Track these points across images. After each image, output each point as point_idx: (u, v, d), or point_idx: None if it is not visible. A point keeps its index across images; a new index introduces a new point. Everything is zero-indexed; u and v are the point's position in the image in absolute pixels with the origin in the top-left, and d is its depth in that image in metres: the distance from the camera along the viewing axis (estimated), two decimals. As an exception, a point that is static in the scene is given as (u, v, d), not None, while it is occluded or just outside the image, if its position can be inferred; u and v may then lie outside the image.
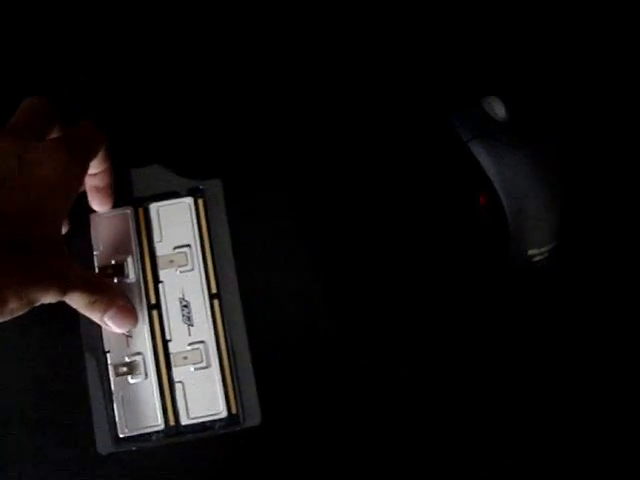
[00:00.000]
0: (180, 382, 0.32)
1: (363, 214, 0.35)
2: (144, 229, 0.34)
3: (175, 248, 0.33)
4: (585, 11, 0.38)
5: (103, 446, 0.32)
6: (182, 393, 0.32)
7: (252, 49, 0.37)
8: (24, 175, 0.26)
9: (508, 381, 0.34)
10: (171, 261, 0.33)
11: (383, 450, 0.33)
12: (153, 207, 0.34)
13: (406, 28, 0.38)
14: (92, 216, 0.34)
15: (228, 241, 0.34)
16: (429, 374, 0.34)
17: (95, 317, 0.30)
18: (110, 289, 0.31)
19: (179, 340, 0.33)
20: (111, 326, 0.31)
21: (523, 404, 0.33)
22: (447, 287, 0.35)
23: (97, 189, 0.33)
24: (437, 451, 0.33)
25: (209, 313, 0.33)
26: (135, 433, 0.32)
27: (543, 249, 0.33)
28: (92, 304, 0.29)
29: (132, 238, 0.33)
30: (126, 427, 0.32)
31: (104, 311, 0.30)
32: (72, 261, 0.29)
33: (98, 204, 0.33)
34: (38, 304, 0.26)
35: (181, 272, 0.33)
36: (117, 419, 0.32)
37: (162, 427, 0.32)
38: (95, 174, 0.32)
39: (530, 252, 0.33)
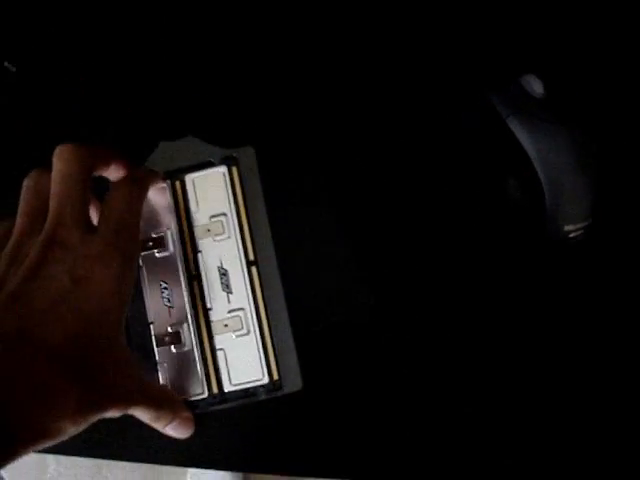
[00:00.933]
0: (222, 350, 0.32)
1: (398, 186, 0.34)
2: (181, 201, 0.34)
3: (211, 217, 0.33)
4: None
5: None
6: (224, 361, 0.32)
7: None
8: (77, 294, 0.25)
9: (540, 358, 0.32)
10: (208, 230, 0.33)
11: (420, 413, 0.32)
12: (188, 178, 0.34)
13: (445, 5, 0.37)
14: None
15: (263, 208, 0.33)
16: (463, 344, 0.32)
17: (157, 428, 0.30)
18: (172, 402, 0.30)
19: (219, 308, 0.33)
20: (171, 434, 0.30)
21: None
22: (483, 262, 0.34)
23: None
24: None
25: (247, 280, 0.33)
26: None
27: (579, 225, 0.33)
28: (156, 419, 0.29)
29: (170, 211, 0.34)
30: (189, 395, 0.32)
31: (167, 425, 0.30)
32: (136, 372, 0.28)
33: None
34: None
35: (218, 241, 0.33)
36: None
37: (206, 395, 0.32)
38: None
39: (566, 228, 0.33)
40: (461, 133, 0.35)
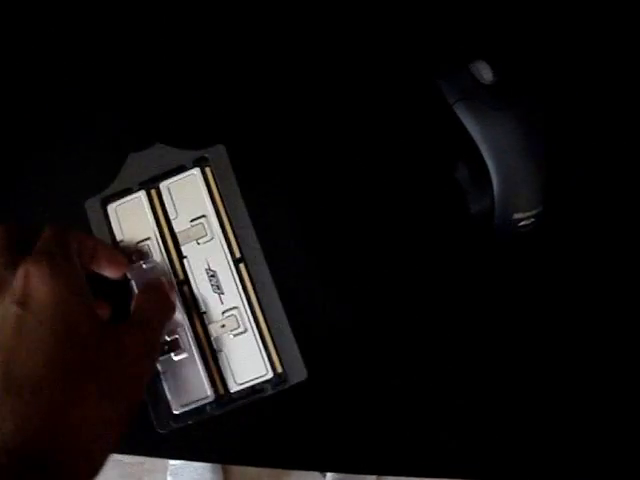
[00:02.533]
0: (222, 351, 0.32)
1: (354, 181, 0.35)
2: (159, 209, 0.34)
3: (192, 221, 0.33)
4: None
5: (161, 425, 0.32)
6: (226, 361, 0.32)
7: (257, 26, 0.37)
8: (33, 316, 0.25)
9: (501, 357, 0.33)
10: (190, 235, 0.33)
11: (426, 399, 0.33)
12: (163, 186, 0.34)
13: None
14: (108, 207, 0.34)
15: (242, 204, 0.33)
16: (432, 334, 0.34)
17: None
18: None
19: (213, 310, 0.32)
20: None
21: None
22: (434, 253, 0.34)
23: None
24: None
25: (237, 278, 0.32)
26: (189, 408, 0.32)
27: (528, 213, 0.33)
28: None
29: (150, 220, 0.33)
30: (179, 404, 0.32)
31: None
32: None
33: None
34: None
35: (202, 243, 0.33)
36: (169, 397, 0.32)
37: (213, 398, 0.32)
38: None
39: (515, 216, 0.33)
40: (412, 119, 0.36)
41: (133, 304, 0.31)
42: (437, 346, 0.33)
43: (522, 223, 0.33)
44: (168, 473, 0.94)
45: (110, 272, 0.31)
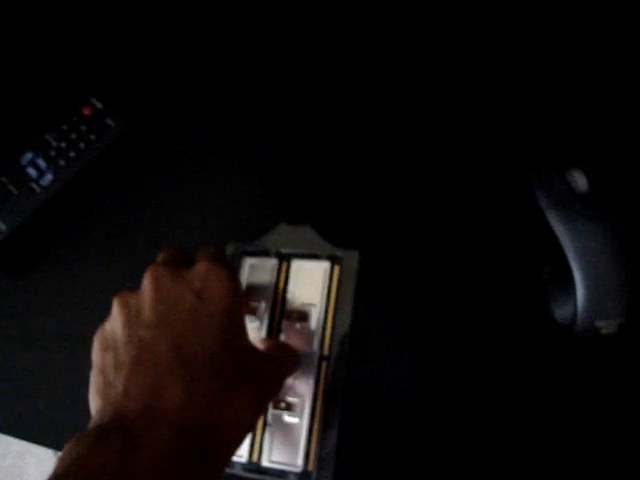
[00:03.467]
0: (271, 426, 0.35)
1: (447, 274, 0.37)
2: (282, 280, 0.37)
3: (303, 304, 0.36)
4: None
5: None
6: (270, 436, 0.35)
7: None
8: (206, 309, 0.27)
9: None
10: (295, 315, 0.36)
11: None
12: (295, 264, 0.37)
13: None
14: (245, 259, 0.39)
15: (349, 310, 0.36)
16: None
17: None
18: (289, 351, 0.34)
19: (281, 386, 0.35)
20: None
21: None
22: (512, 347, 0.35)
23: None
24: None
25: (315, 372, 0.35)
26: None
27: (611, 321, 0.33)
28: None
29: (271, 286, 0.37)
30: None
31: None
32: (266, 356, 0.31)
33: None
34: None
35: (300, 327, 0.36)
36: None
37: (245, 460, 0.34)
38: None
39: (597, 323, 0.33)
40: (503, 219, 0.37)
41: (268, 343, 0.34)
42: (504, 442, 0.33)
43: (604, 331, 0.33)
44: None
45: None
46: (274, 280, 0.37)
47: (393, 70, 0.42)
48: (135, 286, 0.29)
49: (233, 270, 0.30)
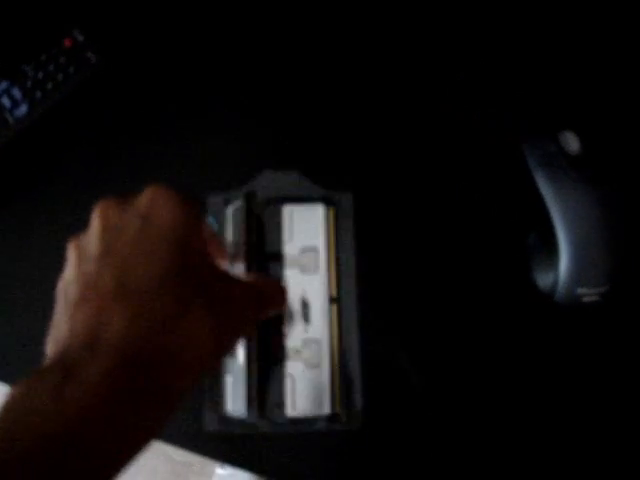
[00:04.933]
0: (291, 375, 0.34)
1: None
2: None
3: (303, 250, 0.35)
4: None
5: (210, 424, 0.33)
6: (292, 386, 0.34)
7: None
8: (149, 228, 0.26)
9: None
10: (297, 262, 0.35)
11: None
12: (287, 208, 0.36)
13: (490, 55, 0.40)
14: (228, 207, 0.36)
15: (352, 251, 0.36)
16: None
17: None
18: (272, 285, 0.31)
19: (295, 336, 0.34)
20: None
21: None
22: (488, 311, 0.36)
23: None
24: None
25: (327, 315, 0.35)
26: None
27: (593, 290, 0.33)
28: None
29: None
30: (233, 409, 0.33)
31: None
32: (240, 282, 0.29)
33: None
34: None
35: (305, 273, 0.35)
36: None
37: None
38: None
39: (579, 291, 0.33)
40: (493, 180, 0.37)
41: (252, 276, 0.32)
42: (496, 415, 0.35)
43: (585, 299, 0.33)
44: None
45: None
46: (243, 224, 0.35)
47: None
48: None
49: (188, 195, 0.28)
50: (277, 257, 0.36)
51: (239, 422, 0.34)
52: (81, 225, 0.26)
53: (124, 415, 0.21)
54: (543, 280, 0.34)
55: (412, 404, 0.35)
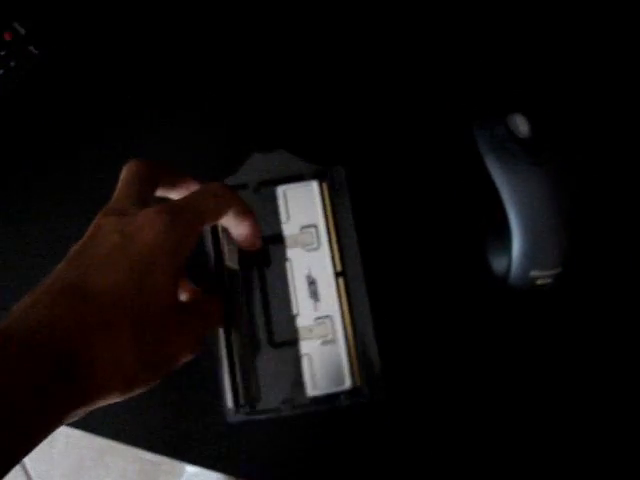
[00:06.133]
0: (307, 355, 0.33)
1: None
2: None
3: (302, 228, 0.35)
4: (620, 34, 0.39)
5: (232, 415, 0.33)
6: (309, 366, 0.33)
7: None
8: (126, 248, 0.26)
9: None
10: (298, 240, 0.35)
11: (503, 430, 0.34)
12: (280, 189, 0.36)
13: (440, 41, 0.40)
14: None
15: (351, 223, 0.35)
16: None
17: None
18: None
19: (305, 315, 0.34)
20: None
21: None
22: (450, 299, 0.36)
23: (242, 237, 0.32)
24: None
25: (335, 289, 0.34)
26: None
27: (546, 272, 0.33)
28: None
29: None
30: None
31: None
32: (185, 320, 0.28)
33: (247, 247, 0.33)
34: None
35: (308, 250, 0.35)
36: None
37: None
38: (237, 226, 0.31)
39: (533, 273, 0.33)
40: (443, 165, 0.37)
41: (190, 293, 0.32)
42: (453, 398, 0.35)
43: (539, 281, 0.33)
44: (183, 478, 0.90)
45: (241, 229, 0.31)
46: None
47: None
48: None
49: (188, 227, 0.28)
50: (278, 239, 0.35)
51: (263, 410, 0.33)
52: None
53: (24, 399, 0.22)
54: (497, 264, 0.34)
55: (434, 372, 0.35)
